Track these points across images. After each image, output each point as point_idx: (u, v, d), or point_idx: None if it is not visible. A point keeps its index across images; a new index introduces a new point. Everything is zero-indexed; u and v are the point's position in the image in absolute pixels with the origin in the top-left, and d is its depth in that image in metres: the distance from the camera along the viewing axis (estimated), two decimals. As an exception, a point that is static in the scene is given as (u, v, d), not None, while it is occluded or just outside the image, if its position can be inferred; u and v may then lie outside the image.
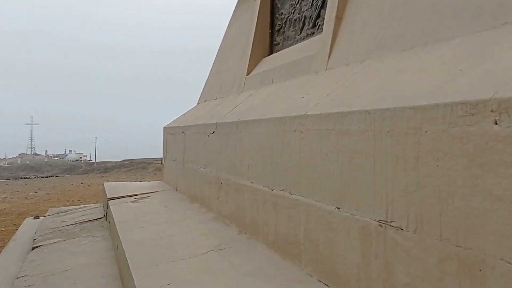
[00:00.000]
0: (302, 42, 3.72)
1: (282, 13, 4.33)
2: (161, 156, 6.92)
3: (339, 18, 2.93)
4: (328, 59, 2.93)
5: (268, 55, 4.55)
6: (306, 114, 2.37)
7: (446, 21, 1.98)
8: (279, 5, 4.42)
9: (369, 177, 1.82)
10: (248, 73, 4.56)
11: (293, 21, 4.06)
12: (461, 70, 1.57)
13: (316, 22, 3.62)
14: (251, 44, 4.55)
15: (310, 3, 3.73)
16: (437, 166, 1.45)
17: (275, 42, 4.48)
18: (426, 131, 1.51)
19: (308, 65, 3.21)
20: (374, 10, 2.59)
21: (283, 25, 4.30)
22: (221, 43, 6.17)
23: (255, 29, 4.53)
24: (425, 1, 2.17)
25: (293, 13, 4.07)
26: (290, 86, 3.29)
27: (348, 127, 1.98)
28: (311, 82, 2.94)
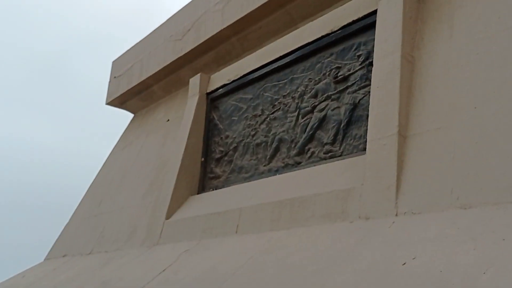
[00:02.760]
0: (288, 173, 2.51)
1: (227, 136, 3.12)
2: None
3: (403, 136, 1.89)
4: (397, 198, 1.78)
5: (199, 193, 3.14)
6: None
7: None
8: (221, 126, 3.22)
9: None
10: (168, 217, 3.00)
11: (252, 146, 2.88)
12: None
13: (307, 148, 2.52)
14: (175, 176, 3.10)
15: (292, 123, 2.66)
16: None
17: (211, 175, 3.15)
18: None
19: (340, 207, 1.98)
20: (484, 121, 1.65)
21: (229, 152, 3.06)
22: (98, 176, 4.45)
23: (183, 156, 3.16)
24: None
25: (254, 135, 2.91)
26: (316, 240, 1.95)
27: None
28: (378, 236, 1.69)
